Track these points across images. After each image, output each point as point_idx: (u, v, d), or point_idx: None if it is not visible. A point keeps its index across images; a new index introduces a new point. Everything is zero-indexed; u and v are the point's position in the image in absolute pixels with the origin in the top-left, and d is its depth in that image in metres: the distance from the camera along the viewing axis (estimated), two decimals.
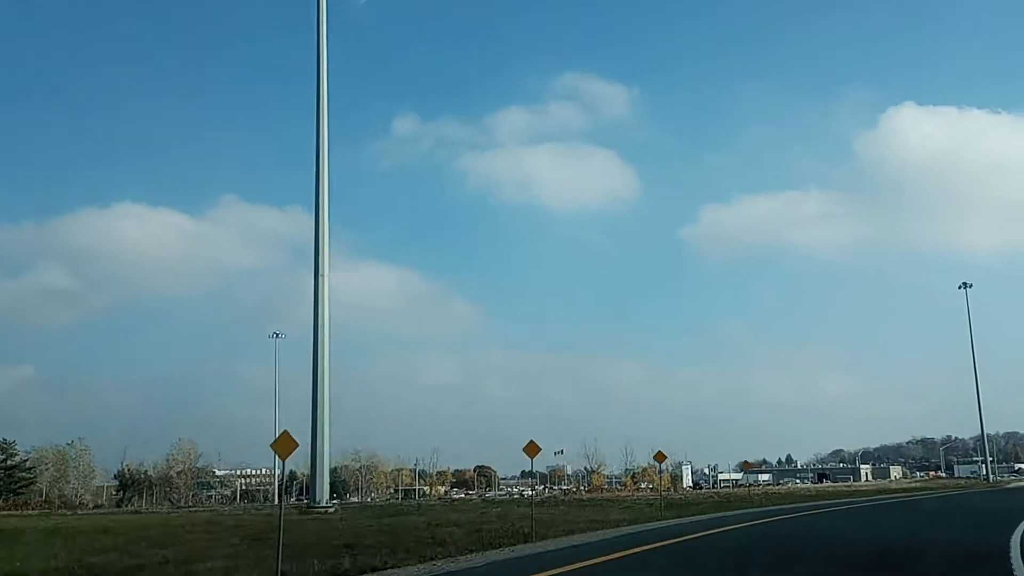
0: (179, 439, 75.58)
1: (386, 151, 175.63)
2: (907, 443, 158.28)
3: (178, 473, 74.06)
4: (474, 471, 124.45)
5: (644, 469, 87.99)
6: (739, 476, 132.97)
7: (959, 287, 76.59)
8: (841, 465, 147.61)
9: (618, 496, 54.82)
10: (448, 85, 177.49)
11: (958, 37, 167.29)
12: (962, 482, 78.23)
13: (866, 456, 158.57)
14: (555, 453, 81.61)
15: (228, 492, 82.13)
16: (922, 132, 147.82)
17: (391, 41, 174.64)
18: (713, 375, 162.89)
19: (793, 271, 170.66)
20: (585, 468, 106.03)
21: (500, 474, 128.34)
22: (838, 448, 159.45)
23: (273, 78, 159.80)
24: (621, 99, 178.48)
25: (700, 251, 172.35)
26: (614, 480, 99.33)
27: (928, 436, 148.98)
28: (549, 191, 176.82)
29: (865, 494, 43.51)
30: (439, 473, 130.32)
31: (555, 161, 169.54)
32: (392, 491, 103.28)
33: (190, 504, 62.60)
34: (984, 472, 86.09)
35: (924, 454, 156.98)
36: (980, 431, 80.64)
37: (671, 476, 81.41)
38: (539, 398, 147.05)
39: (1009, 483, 66.77)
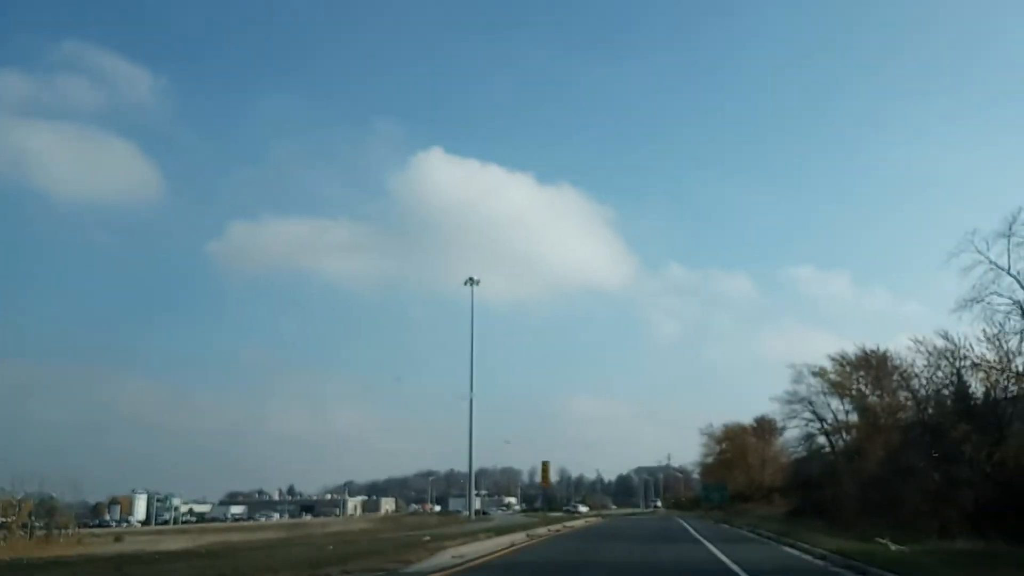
0: None
1: None
2: (414, 476, 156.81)
3: None
4: None
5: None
6: (207, 508, 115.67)
7: (465, 283, 71.40)
8: (329, 496, 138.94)
9: None
10: None
11: (480, 94, 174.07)
12: (432, 520, 69.80)
13: (375, 488, 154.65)
14: None
15: None
16: (448, 179, 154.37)
17: None
18: (229, 400, 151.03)
19: (319, 299, 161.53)
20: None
21: None
22: (350, 479, 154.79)
23: None
24: (145, 85, 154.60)
25: (226, 269, 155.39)
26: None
27: (434, 469, 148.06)
28: (50, 175, 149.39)
29: None
30: None
31: (59, 141, 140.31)
32: None
33: None
34: (474, 506, 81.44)
35: (428, 487, 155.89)
36: (469, 466, 73.96)
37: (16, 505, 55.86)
38: (19, 415, 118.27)
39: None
